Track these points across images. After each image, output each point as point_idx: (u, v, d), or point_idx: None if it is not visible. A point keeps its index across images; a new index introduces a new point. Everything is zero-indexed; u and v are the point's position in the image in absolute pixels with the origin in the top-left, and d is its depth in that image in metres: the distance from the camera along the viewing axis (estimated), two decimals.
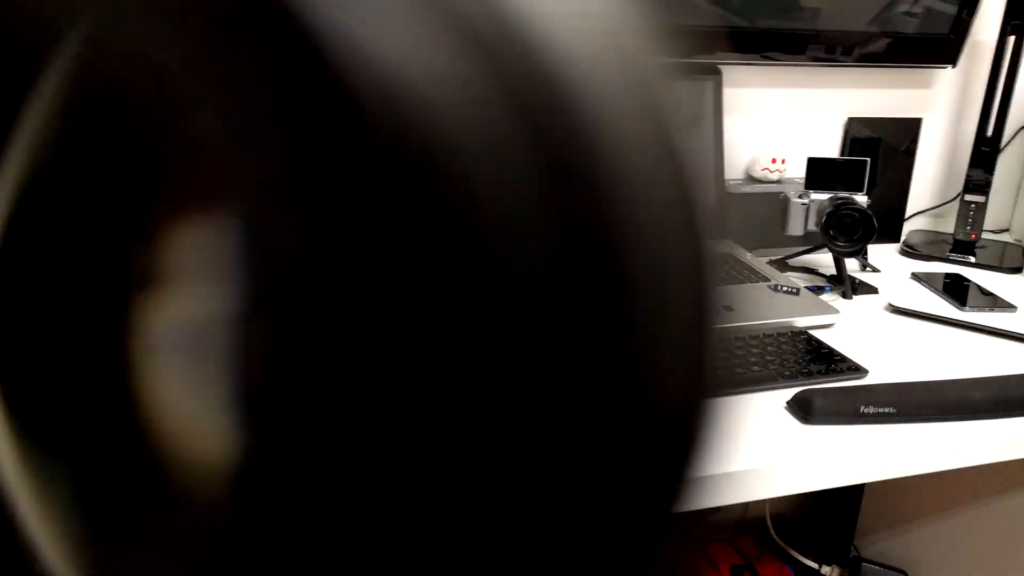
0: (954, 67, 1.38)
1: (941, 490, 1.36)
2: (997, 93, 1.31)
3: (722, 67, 1.29)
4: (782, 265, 1.34)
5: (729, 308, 1.15)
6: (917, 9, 1.27)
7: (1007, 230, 1.50)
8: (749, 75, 1.34)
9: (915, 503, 1.41)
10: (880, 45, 1.30)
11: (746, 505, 1.58)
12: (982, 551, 1.33)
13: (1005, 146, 1.37)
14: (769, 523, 1.52)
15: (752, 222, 1.39)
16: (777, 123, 1.40)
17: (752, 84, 1.36)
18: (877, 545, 1.49)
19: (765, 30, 1.25)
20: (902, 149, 1.42)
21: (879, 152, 1.40)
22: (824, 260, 1.34)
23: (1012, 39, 1.27)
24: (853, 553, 1.47)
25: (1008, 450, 0.93)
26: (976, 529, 1.31)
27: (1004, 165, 1.40)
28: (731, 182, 1.42)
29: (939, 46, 1.33)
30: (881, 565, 1.38)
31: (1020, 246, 1.42)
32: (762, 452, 0.89)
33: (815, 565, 1.43)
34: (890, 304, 1.19)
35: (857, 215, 1.22)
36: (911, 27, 1.28)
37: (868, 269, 1.35)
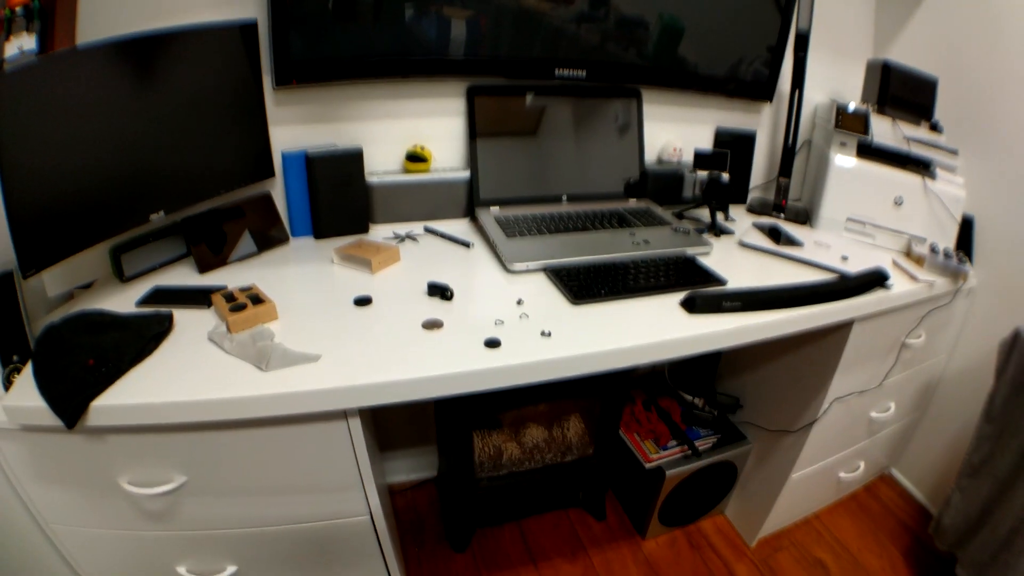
0: (770, 103, 1.96)
1: (761, 350, 1.82)
2: (792, 120, 1.85)
3: (643, 91, 1.79)
4: (679, 215, 1.78)
5: (647, 242, 1.53)
6: (751, 70, 1.84)
7: (799, 199, 2.01)
8: (659, 98, 1.85)
9: (747, 359, 1.95)
10: (731, 86, 1.86)
11: (653, 364, 2.24)
12: (780, 386, 1.81)
13: (798, 151, 1.92)
14: (666, 373, 2.16)
15: (661, 188, 1.84)
16: (676, 128, 1.91)
17: (661, 103, 1.85)
18: (725, 384, 2.08)
19: (668, 70, 1.78)
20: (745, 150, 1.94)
21: (734, 148, 1.87)
22: (703, 213, 1.80)
23: (796, 90, 1.82)
24: (712, 389, 2.07)
25: (798, 326, 1.34)
26: (777, 372, 1.81)
27: (797, 162, 1.94)
28: (649, 163, 1.87)
29: (762, 90, 1.90)
30: (726, 394, 2.00)
31: (805, 209, 1.90)
32: (665, 331, 1.20)
33: (690, 397, 2.05)
34: (740, 241, 1.66)
35: (723, 185, 1.71)
36: (748, 78, 1.86)
37: (728, 220, 1.80)
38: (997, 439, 1.57)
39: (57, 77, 1.04)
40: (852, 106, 1.78)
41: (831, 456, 1.87)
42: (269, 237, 1.53)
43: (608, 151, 1.80)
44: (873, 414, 1.83)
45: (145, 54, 1.17)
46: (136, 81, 1.17)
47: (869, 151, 1.75)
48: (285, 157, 1.53)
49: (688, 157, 1.85)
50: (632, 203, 1.80)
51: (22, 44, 1.11)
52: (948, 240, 1.72)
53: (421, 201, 1.66)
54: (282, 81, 1.43)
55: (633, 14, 1.66)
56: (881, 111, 1.75)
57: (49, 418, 0.93)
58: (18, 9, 1.10)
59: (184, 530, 1.18)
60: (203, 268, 1.39)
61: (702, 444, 1.89)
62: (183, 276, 1.38)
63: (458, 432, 1.67)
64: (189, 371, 1.02)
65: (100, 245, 1.21)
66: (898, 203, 1.70)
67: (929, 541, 1.87)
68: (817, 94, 1.96)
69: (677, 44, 1.74)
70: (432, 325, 1.17)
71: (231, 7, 1.36)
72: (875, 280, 1.46)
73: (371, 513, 1.27)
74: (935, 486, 2.12)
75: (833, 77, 1.99)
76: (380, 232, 1.63)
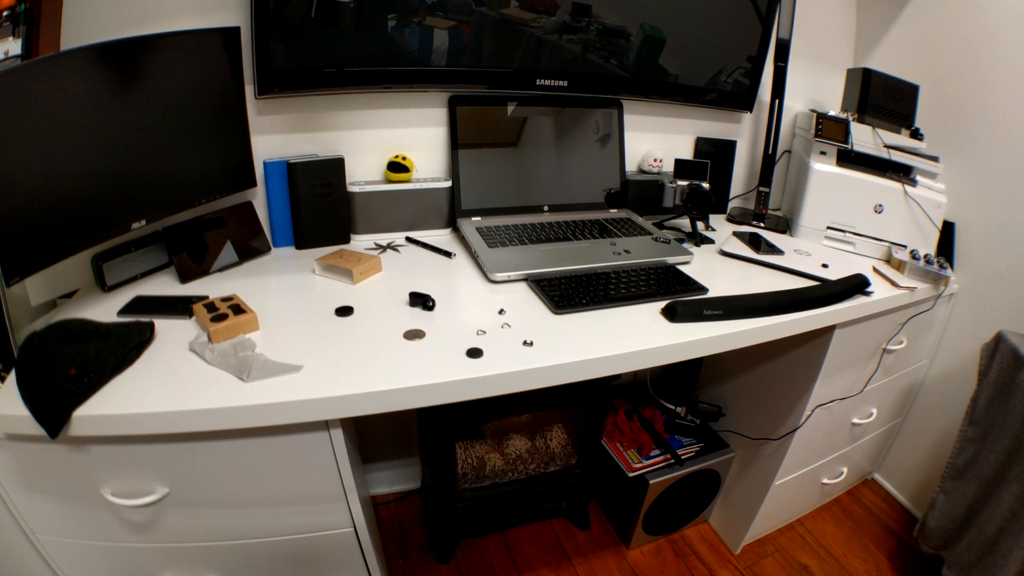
0: (751, 113, 1.97)
1: (743, 358, 1.87)
2: (772, 129, 1.88)
3: (624, 101, 1.81)
4: (659, 225, 1.79)
5: (627, 252, 1.53)
6: (731, 79, 1.86)
7: (779, 208, 2.05)
8: (640, 108, 1.86)
9: (729, 367, 1.96)
10: (712, 96, 1.88)
11: (635, 372, 2.25)
12: (762, 393, 1.82)
13: (778, 160, 1.95)
14: (648, 383, 2.18)
15: (642, 197, 1.85)
16: (657, 138, 1.92)
17: (642, 113, 1.87)
18: (707, 392, 2.08)
19: (649, 80, 1.79)
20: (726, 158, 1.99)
21: (715, 158, 1.95)
22: (683, 223, 1.82)
23: (776, 100, 1.85)
24: (694, 398, 2.08)
25: (778, 333, 1.34)
26: (759, 380, 1.82)
27: (777, 171, 1.98)
28: (629, 173, 1.89)
29: (743, 100, 1.91)
30: (708, 403, 2.00)
31: (785, 217, 1.94)
32: (646, 339, 1.20)
33: (673, 406, 2.04)
34: (720, 250, 1.67)
35: (703, 194, 1.70)
36: (728, 88, 1.87)
37: (708, 229, 1.83)
38: (981, 441, 1.59)
39: (39, 81, 1.02)
40: (832, 114, 1.79)
41: (814, 463, 1.88)
42: (250, 247, 1.52)
43: (589, 161, 1.80)
44: (855, 420, 1.84)
45: (128, 59, 1.16)
46: (118, 86, 1.16)
47: (849, 159, 1.77)
48: (267, 166, 1.52)
49: (669, 167, 1.86)
50: (613, 213, 1.81)
51: (7, 49, 1.10)
52: (929, 246, 1.74)
53: (403, 211, 1.66)
54: (264, 89, 1.43)
55: (615, 24, 1.67)
56: (861, 119, 1.77)
57: (33, 427, 0.91)
58: (4, 13, 1.09)
59: (167, 542, 1.17)
60: (184, 278, 1.38)
61: (685, 453, 1.89)
62: (165, 286, 1.36)
63: (441, 443, 1.67)
64: (170, 381, 1.01)
65: (82, 254, 1.19)
66: (878, 210, 1.72)
67: (914, 544, 1.88)
68: (797, 103, 1.98)
69: (658, 54, 1.75)
70: (414, 335, 1.17)
71: (215, 14, 1.36)
72: (856, 286, 1.46)
73: (355, 525, 1.26)
74: (919, 490, 2.14)
75: (813, 86, 2.02)
76: (362, 242, 1.63)
